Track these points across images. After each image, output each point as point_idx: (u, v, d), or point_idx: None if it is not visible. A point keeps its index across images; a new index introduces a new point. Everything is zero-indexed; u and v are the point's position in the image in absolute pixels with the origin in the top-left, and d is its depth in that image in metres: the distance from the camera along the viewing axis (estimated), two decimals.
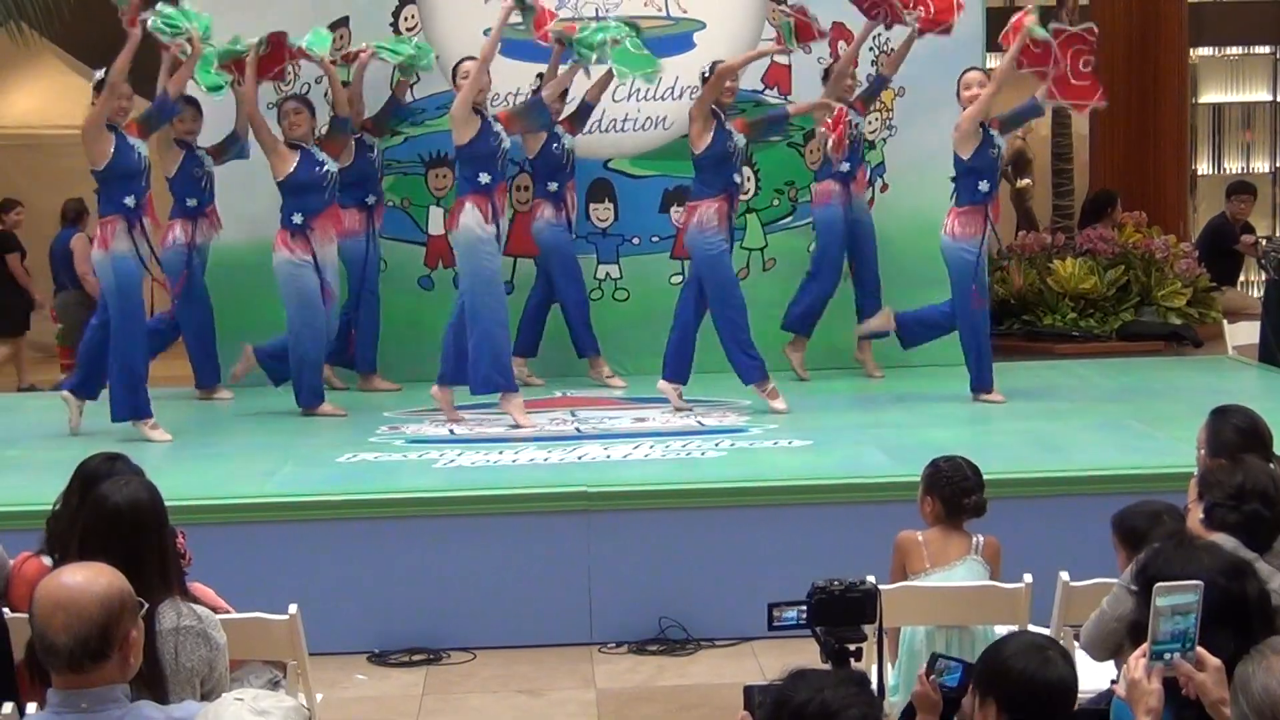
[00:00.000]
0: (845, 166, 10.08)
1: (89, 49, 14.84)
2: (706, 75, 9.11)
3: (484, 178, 8.80)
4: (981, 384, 9.41)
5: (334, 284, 9.52)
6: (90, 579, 3.49)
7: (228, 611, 5.03)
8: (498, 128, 8.98)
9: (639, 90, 10.35)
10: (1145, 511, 5.04)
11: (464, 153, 8.90)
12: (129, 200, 8.56)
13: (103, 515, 4.37)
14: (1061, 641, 5.20)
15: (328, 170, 9.43)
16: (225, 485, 7.74)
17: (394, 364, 10.37)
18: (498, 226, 8.89)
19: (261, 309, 9.89)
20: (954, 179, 9.32)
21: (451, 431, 8.85)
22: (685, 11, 10.48)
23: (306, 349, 9.37)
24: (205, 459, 8.36)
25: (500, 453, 8.18)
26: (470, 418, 9.17)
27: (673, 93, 10.47)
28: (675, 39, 10.41)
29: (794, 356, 10.32)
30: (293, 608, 5.08)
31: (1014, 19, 9.28)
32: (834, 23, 10.19)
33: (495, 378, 8.82)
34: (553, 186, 10.09)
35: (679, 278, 10.53)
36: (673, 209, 10.59)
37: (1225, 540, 4.26)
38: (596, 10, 10.36)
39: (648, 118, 10.50)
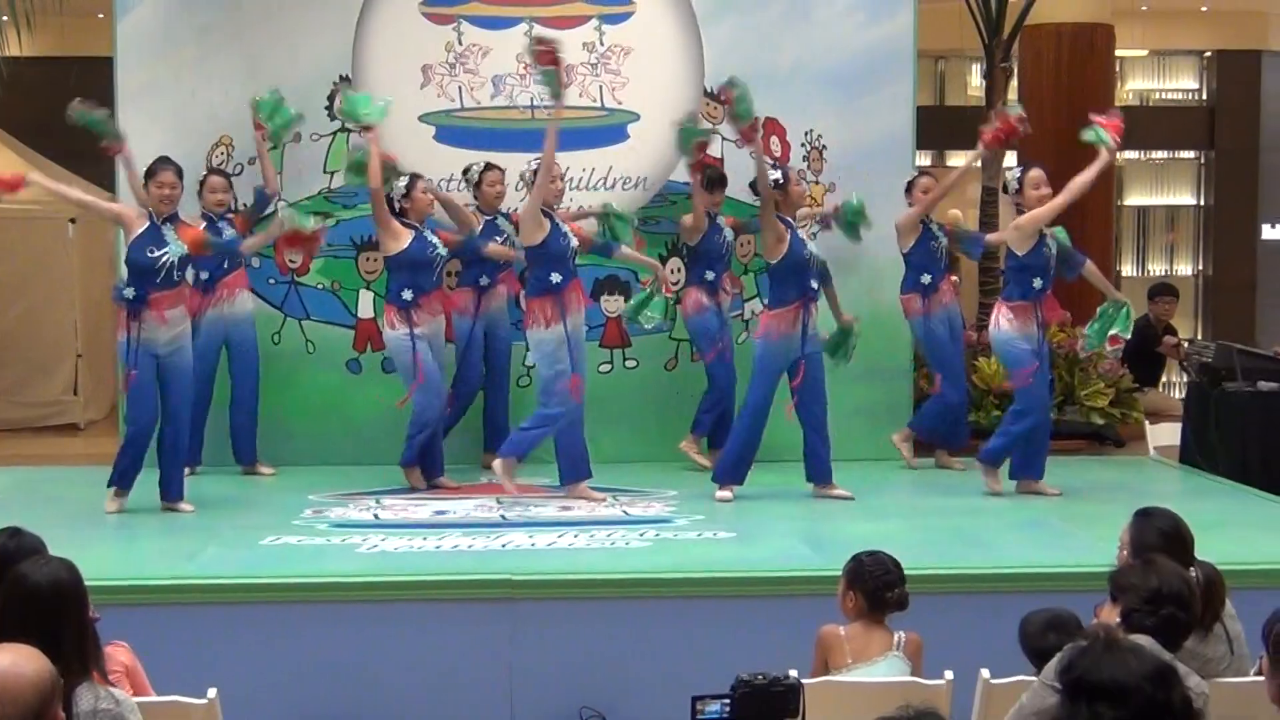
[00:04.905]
0: (927, 279, 10.29)
1: (24, 127, 14.82)
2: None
3: (555, 277, 8.96)
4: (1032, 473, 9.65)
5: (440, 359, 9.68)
6: (17, 661, 3.43)
7: (145, 686, 4.99)
8: (565, 227, 9.17)
9: (572, 180, 10.39)
10: (1037, 628, 5.14)
11: (535, 253, 9.07)
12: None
13: (21, 595, 4.33)
14: None
15: (438, 251, 9.56)
16: (148, 566, 7.68)
17: (316, 447, 10.31)
18: (564, 323, 9.02)
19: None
20: (1004, 273, 9.62)
21: (376, 517, 8.81)
22: (620, 103, 10.56)
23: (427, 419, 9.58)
24: (128, 539, 8.29)
25: (424, 539, 8.14)
26: (395, 503, 9.15)
27: (605, 183, 10.54)
28: (609, 129, 10.49)
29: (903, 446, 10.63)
30: (212, 691, 5.03)
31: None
32: (766, 118, 10.32)
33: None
34: (709, 275, 10.24)
35: (607, 366, 10.55)
36: (603, 298, 10.64)
37: (1142, 640, 4.30)
38: (532, 100, 10.43)
39: (580, 207, 10.50)
